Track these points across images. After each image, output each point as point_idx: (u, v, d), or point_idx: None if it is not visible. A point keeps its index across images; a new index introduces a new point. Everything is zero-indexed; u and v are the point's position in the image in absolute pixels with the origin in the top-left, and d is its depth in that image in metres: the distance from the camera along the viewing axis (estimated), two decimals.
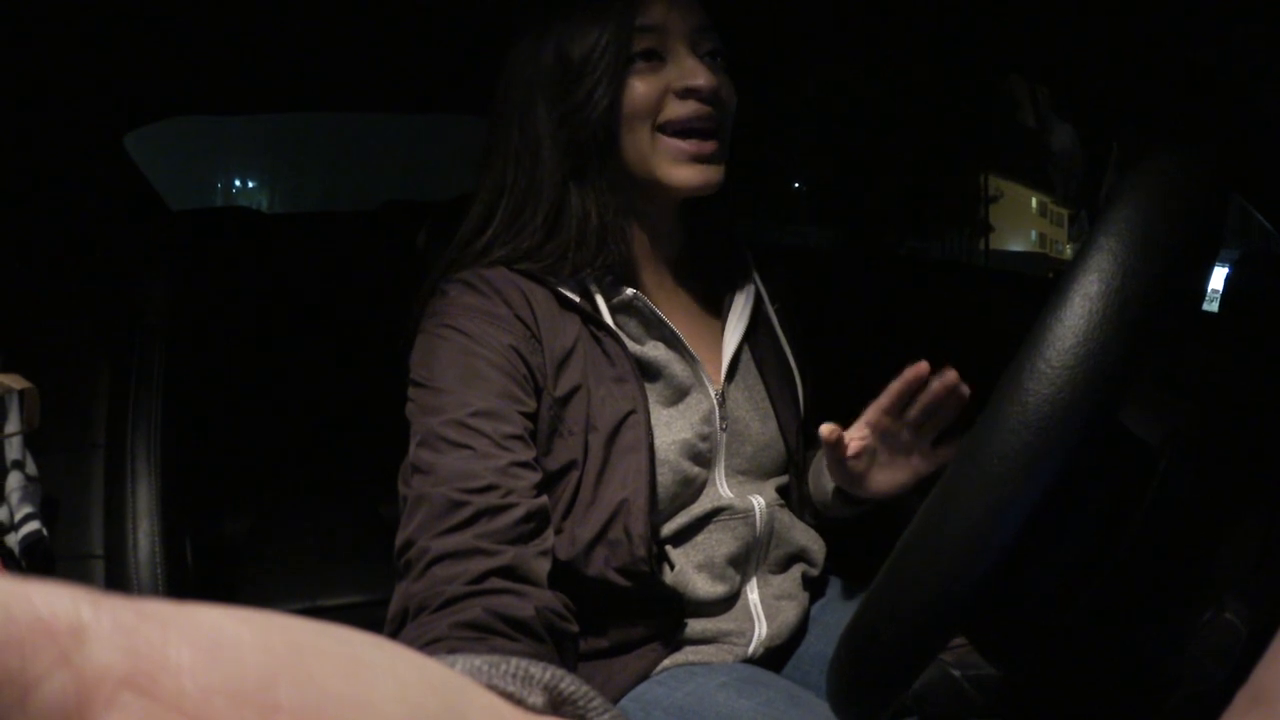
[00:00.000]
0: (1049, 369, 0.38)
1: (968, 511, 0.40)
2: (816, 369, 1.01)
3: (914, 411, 0.82)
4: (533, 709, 0.21)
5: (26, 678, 0.13)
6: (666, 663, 0.84)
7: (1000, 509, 0.39)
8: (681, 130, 0.81)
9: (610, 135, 0.82)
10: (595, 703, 0.23)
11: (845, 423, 0.94)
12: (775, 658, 0.91)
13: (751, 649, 0.87)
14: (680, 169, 0.81)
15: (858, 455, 0.84)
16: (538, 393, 0.80)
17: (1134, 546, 0.45)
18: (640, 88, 0.81)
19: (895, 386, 0.82)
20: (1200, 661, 0.45)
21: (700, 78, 0.80)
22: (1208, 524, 0.48)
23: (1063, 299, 0.39)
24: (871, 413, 0.84)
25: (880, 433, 0.84)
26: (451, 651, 0.20)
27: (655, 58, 0.81)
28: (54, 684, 0.13)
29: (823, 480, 0.94)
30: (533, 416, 0.79)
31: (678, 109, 0.81)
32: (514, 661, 0.22)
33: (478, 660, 0.22)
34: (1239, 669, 0.44)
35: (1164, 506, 0.45)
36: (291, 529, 1.53)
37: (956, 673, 0.61)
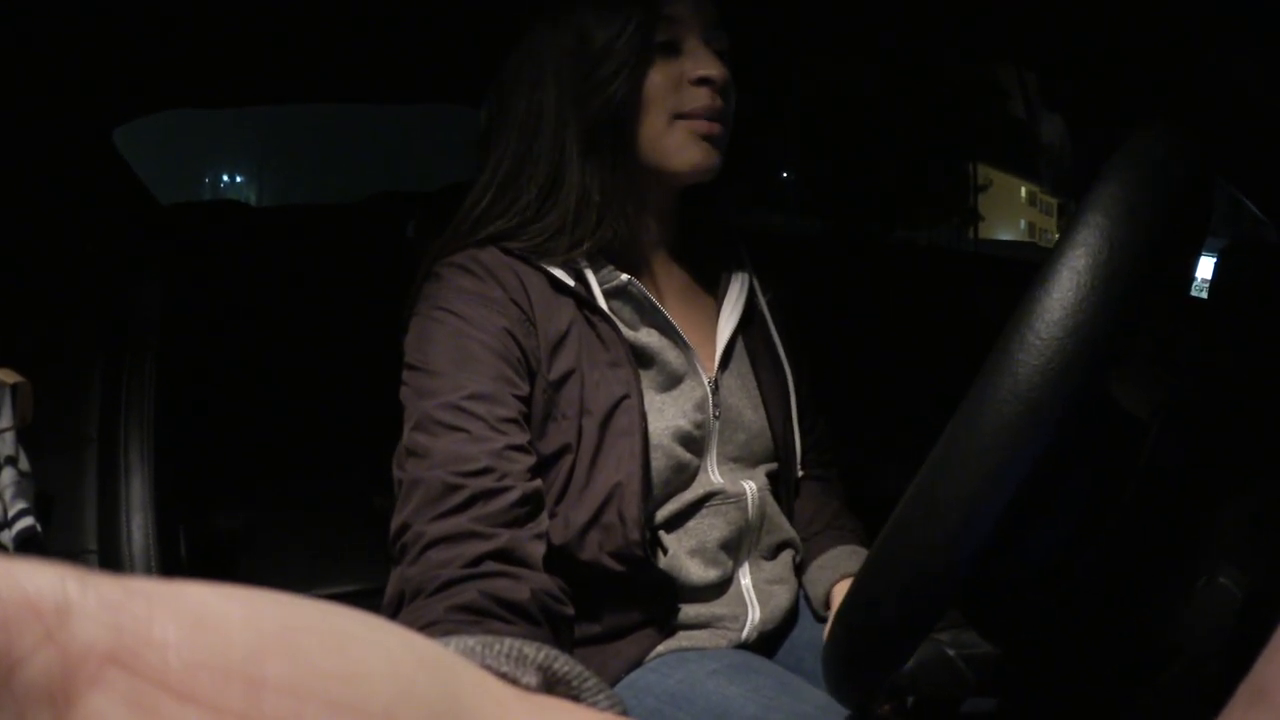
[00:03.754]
0: (1038, 340, 0.39)
1: (961, 480, 0.40)
2: (807, 357, 1.01)
3: None
4: (527, 689, 0.21)
5: (12, 655, 0.13)
6: (660, 648, 0.85)
7: (993, 477, 0.39)
8: (696, 116, 0.83)
9: (626, 119, 0.83)
10: (589, 683, 0.23)
11: (836, 408, 0.95)
12: (768, 643, 0.92)
13: (745, 634, 0.88)
14: (691, 150, 0.83)
15: None
16: (531, 376, 0.80)
17: (1125, 517, 0.46)
18: (657, 77, 0.82)
19: None
20: (1196, 626, 0.46)
21: (714, 68, 0.82)
22: (1198, 494, 0.49)
23: (1051, 273, 0.40)
24: None
25: None
26: (447, 635, 0.20)
27: (672, 48, 0.83)
28: (39, 661, 0.13)
29: (820, 594, 0.93)
30: (527, 400, 0.79)
31: (693, 97, 0.82)
32: (508, 642, 0.22)
33: (471, 640, 0.22)
34: (1235, 633, 0.45)
35: (1154, 478, 0.45)
36: (285, 521, 1.53)
37: (951, 652, 0.61)
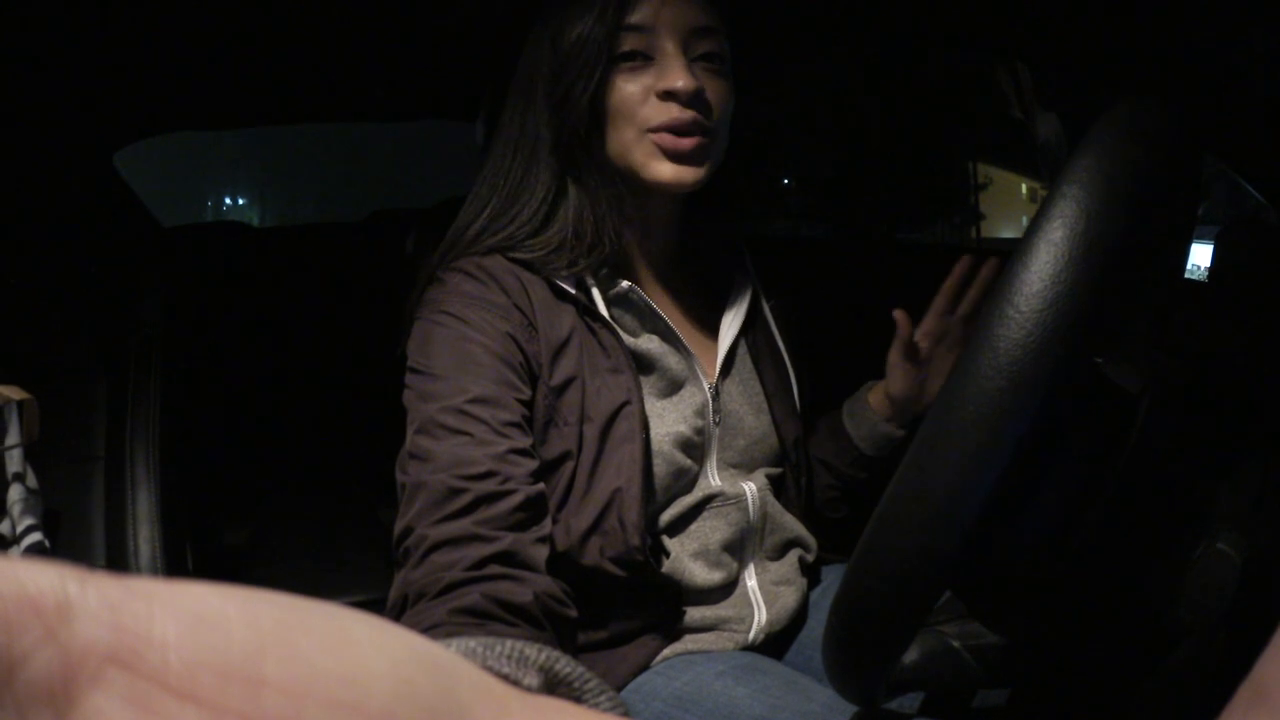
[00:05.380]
0: (1018, 315, 0.39)
1: (947, 460, 0.40)
2: (813, 359, 1.01)
3: (966, 304, 0.95)
4: (528, 690, 0.21)
5: (13, 654, 0.13)
6: (666, 652, 0.84)
7: (978, 455, 0.39)
8: (661, 129, 0.81)
9: (595, 130, 0.82)
10: (591, 684, 0.23)
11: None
12: (776, 644, 0.92)
13: (752, 635, 0.88)
14: (657, 164, 0.81)
15: (924, 359, 0.95)
16: (533, 381, 0.80)
17: (1120, 494, 0.46)
18: (625, 88, 0.80)
19: (949, 284, 0.95)
20: (1198, 594, 0.46)
21: (680, 80, 0.78)
22: (1193, 466, 0.49)
23: (1029, 246, 0.40)
24: (930, 320, 0.96)
25: (938, 335, 0.96)
26: (449, 637, 0.20)
27: (642, 57, 0.81)
28: (40, 660, 0.13)
29: (867, 414, 0.99)
30: (529, 404, 0.79)
31: (658, 112, 0.80)
32: (509, 643, 0.22)
33: (472, 642, 0.22)
34: (1236, 600, 0.44)
35: (1147, 452, 0.45)
36: (291, 534, 1.53)
37: (957, 644, 0.61)
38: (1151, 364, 0.48)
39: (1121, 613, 0.51)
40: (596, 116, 0.81)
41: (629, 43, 0.80)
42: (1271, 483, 0.48)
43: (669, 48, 0.80)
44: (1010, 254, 0.41)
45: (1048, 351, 0.38)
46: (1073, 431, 0.47)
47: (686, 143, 0.80)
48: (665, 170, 0.81)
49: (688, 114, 0.80)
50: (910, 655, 0.60)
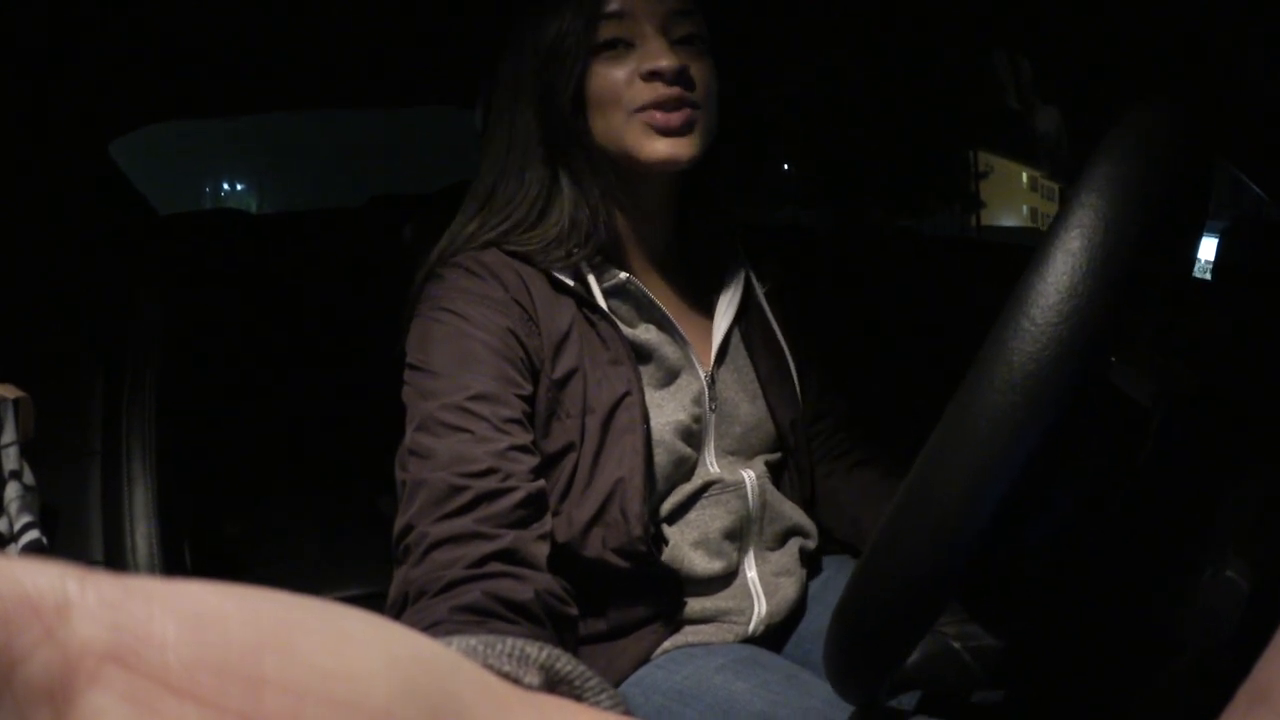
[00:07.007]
0: (1033, 327, 0.38)
1: (957, 473, 0.39)
2: (811, 347, 1.01)
3: None
4: (529, 688, 0.21)
5: (11, 654, 0.13)
6: (667, 644, 0.85)
7: (989, 470, 0.38)
8: (649, 108, 0.82)
9: (582, 119, 0.83)
10: (592, 682, 0.23)
11: (845, 399, 0.94)
12: (776, 636, 0.92)
13: (752, 627, 0.88)
14: (650, 143, 0.82)
15: None
16: (535, 375, 0.80)
17: (1129, 506, 0.45)
18: (609, 74, 0.82)
19: None
20: (1203, 619, 0.45)
21: (663, 59, 0.80)
22: (1204, 481, 0.48)
23: (1045, 256, 0.39)
24: None
25: None
26: (450, 635, 0.20)
27: (624, 44, 0.82)
28: (39, 659, 0.13)
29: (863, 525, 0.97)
30: (530, 399, 0.79)
31: (644, 92, 0.81)
32: (510, 641, 0.22)
33: (473, 640, 0.21)
34: (1242, 626, 0.44)
35: (1158, 466, 0.45)
36: (289, 527, 1.53)
37: (957, 645, 0.61)
38: (1158, 370, 0.47)
39: (1125, 625, 0.50)
40: (582, 106, 0.82)
41: (609, 31, 0.81)
42: (1274, 497, 0.47)
43: (649, 31, 0.82)
44: (1026, 263, 0.40)
45: (1064, 366, 0.37)
46: (1083, 442, 0.46)
47: (676, 118, 0.81)
48: (659, 147, 0.82)
49: (674, 90, 0.81)
50: (911, 656, 0.60)
